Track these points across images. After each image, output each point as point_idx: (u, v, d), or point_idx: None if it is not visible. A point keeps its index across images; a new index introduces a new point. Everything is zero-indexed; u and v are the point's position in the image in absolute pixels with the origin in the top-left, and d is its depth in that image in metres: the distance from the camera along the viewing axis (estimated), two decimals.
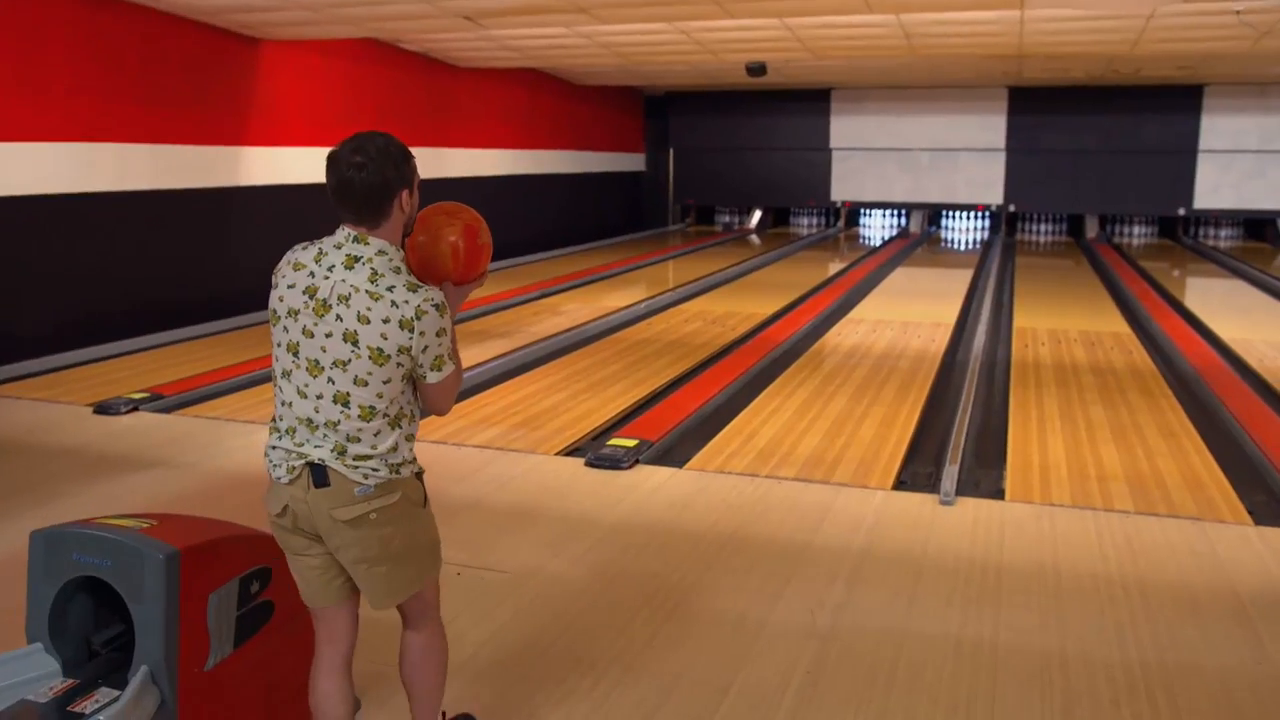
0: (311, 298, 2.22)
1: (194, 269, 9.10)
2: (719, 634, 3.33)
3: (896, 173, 18.55)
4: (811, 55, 11.91)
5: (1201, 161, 17.10)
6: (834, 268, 14.39)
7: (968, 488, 4.80)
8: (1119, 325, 9.34)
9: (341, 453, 2.22)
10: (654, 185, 20.20)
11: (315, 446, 2.24)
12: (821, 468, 5.03)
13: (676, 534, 4.16)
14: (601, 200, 17.97)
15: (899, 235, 18.62)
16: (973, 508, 4.52)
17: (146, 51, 8.43)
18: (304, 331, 2.23)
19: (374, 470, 2.23)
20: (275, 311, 2.29)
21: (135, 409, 6.19)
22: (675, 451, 5.33)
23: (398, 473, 2.28)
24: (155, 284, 8.69)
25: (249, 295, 9.49)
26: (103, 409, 6.15)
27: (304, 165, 10.35)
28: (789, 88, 17.44)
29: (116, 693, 2.17)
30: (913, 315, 9.76)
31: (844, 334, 8.79)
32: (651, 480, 4.87)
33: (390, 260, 2.25)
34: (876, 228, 19.66)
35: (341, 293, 2.20)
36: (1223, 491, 4.71)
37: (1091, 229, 18.40)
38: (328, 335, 2.20)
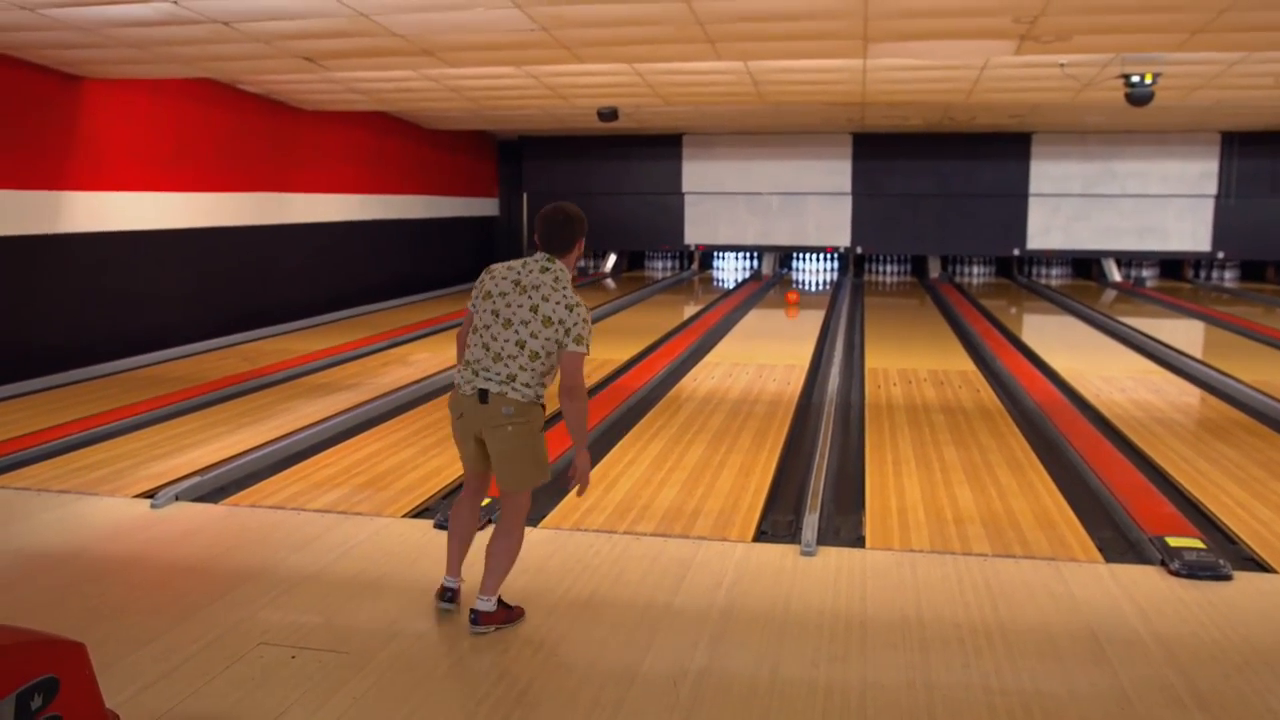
0: (515, 284, 3.61)
1: (6, 323, 8.40)
2: (574, 716, 3.12)
3: (748, 216, 18.87)
4: (662, 101, 11.98)
5: (1032, 205, 18.00)
6: (689, 311, 14.45)
7: (828, 536, 4.73)
8: (965, 363, 9.60)
9: (509, 380, 3.55)
10: (507, 230, 20.01)
11: (488, 378, 3.57)
12: (681, 521, 4.89)
13: (530, 602, 3.93)
14: (454, 246, 17.65)
15: (752, 277, 18.91)
16: (834, 557, 4.44)
17: None
18: (505, 303, 3.59)
19: (521, 399, 3.55)
20: (487, 293, 3.66)
21: None
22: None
23: (534, 404, 3.61)
24: None
25: (68, 350, 8.83)
26: None
27: (132, 210, 9.75)
28: (641, 133, 17.57)
29: None
30: (768, 357, 9.81)
31: (700, 379, 8.74)
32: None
33: (565, 276, 3.65)
34: (730, 270, 19.94)
35: (534, 284, 3.59)
36: (1073, 530, 4.78)
37: (934, 269, 19.09)
38: (519, 306, 3.57)
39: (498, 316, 3.58)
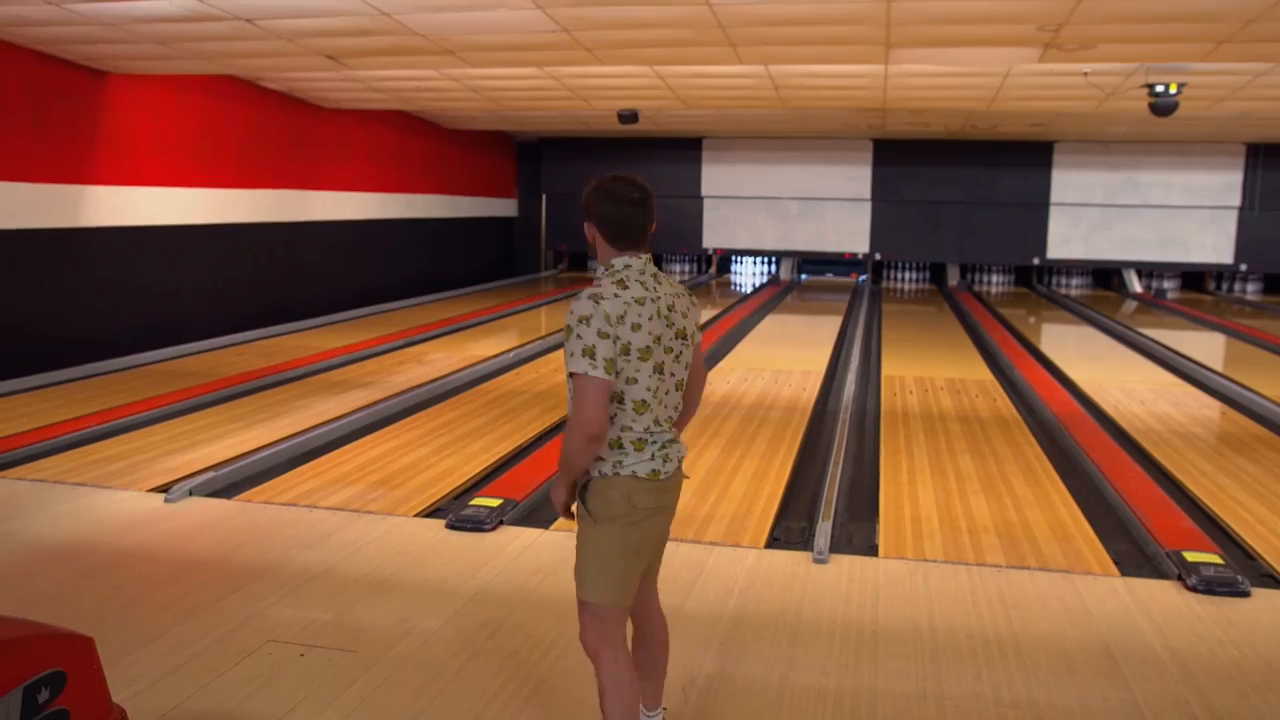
0: (669, 325, 2.62)
1: (29, 315, 8.46)
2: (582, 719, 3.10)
3: (766, 221, 18.84)
4: (683, 104, 11.96)
5: (1053, 214, 17.89)
6: (706, 315, 14.43)
7: (841, 544, 4.70)
8: (982, 372, 9.54)
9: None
10: (526, 231, 20.03)
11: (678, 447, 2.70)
12: (693, 526, 4.87)
13: (540, 604, 3.91)
14: (472, 245, 17.69)
15: (769, 282, 18.86)
16: (847, 565, 4.41)
17: None
18: (666, 350, 2.61)
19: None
20: (647, 348, 2.56)
21: None
22: (541, 511, 5.08)
23: None
24: None
25: (89, 343, 8.88)
26: None
27: (155, 206, 9.80)
28: (661, 135, 17.57)
29: None
30: (784, 363, 9.77)
31: (716, 383, 8.72)
32: (515, 543, 4.62)
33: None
34: (748, 275, 19.90)
35: (682, 307, 2.71)
36: (1089, 542, 4.73)
37: (953, 277, 19.00)
38: (682, 344, 2.68)
39: (662, 374, 2.59)
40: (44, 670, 2.12)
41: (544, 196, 19.59)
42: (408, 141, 15.00)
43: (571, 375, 2.49)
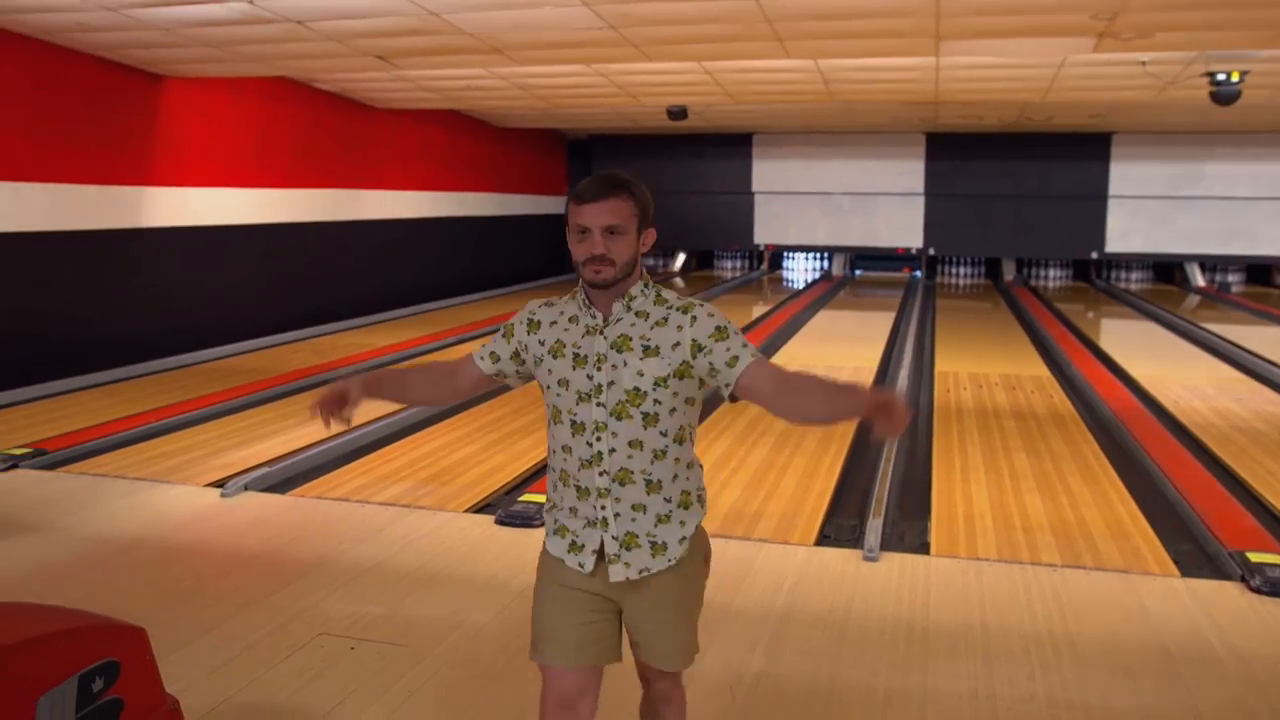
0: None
1: (89, 314, 8.65)
2: (627, 717, 3.09)
3: (818, 216, 18.70)
4: (732, 99, 11.91)
5: (1112, 207, 17.54)
6: (758, 311, 14.35)
7: (892, 541, 4.64)
8: (1039, 368, 9.38)
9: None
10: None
11: None
12: (742, 522, 4.84)
13: None
14: (522, 243, 17.76)
15: (822, 278, 18.72)
16: (898, 563, 4.36)
17: (42, 86, 8.04)
18: None
19: None
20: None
21: (14, 466, 5.78)
22: None
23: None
24: (48, 330, 8.22)
25: (145, 342, 9.06)
26: None
27: (210, 206, 9.97)
28: (711, 131, 17.51)
29: None
30: (836, 359, 9.69)
31: None
32: None
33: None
34: (799, 270, 19.77)
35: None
36: (1148, 541, 4.63)
37: (1009, 272, 18.71)
38: None
39: None
40: (98, 660, 2.16)
41: None
42: (458, 140, 15.10)
43: (755, 358, 2.19)
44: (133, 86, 8.96)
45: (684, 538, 2.27)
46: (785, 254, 19.84)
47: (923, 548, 4.57)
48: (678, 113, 12.75)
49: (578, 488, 2.25)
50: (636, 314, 2.24)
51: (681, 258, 19.95)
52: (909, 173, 18.08)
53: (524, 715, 3.07)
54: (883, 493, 5.21)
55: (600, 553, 2.23)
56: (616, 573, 2.23)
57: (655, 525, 2.24)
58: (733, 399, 2.27)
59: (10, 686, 1.93)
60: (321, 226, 11.76)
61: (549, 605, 2.30)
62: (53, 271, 8.29)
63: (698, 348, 2.19)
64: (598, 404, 2.21)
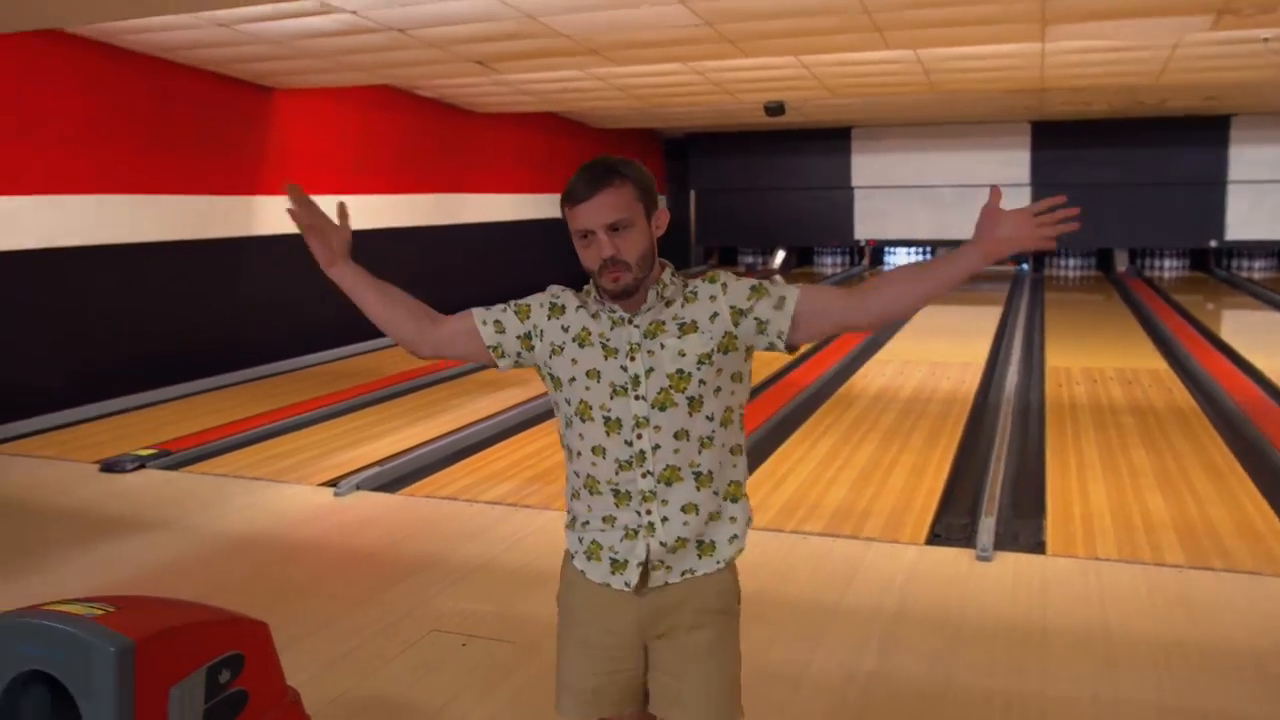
0: None
1: (206, 321, 8.98)
2: None
3: (920, 210, 18.32)
4: (829, 93, 11.75)
5: (1231, 193, 16.78)
6: None
7: (1006, 541, 4.51)
8: (1156, 361, 9.03)
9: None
10: (675, 227, 20.06)
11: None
12: (850, 521, 4.76)
13: None
14: None
15: None
16: (1012, 563, 4.24)
17: (158, 101, 8.38)
18: None
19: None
20: None
21: (142, 466, 6.03)
22: None
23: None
24: (167, 336, 8.56)
25: (260, 346, 9.36)
26: (109, 467, 5.99)
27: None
28: (809, 126, 17.30)
29: None
30: (941, 355, 9.49)
31: (871, 376, 8.53)
32: None
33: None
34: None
35: None
36: None
37: (1121, 263, 18.07)
38: None
39: None
40: (225, 653, 2.23)
41: (692, 193, 19.61)
42: (555, 142, 15.24)
43: (798, 288, 2.00)
44: (244, 99, 9.27)
45: (734, 536, 2.05)
46: (886, 249, 19.50)
47: (1038, 547, 4.44)
48: (775, 109, 12.64)
49: (615, 493, 1.99)
50: (665, 303, 2.01)
51: (781, 254, 19.78)
52: (1014, 163, 17.59)
53: None
54: (995, 490, 5.07)
55: (645, 562, 1.99)
56: (656, 579, 2.01)
57: (705, 524, 2.01)
58: (790, 348, 2.01)
59: (146, 677, 2.00)
60: (425, 231, 12.00)
61: (568, 656, 2.13)
62: (171, 281, 8.63)
63: (738, 312, 1.98)
64: (636, 397, 1.95)
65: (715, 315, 1.98)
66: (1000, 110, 15.13)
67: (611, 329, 2.00)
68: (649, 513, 1.98)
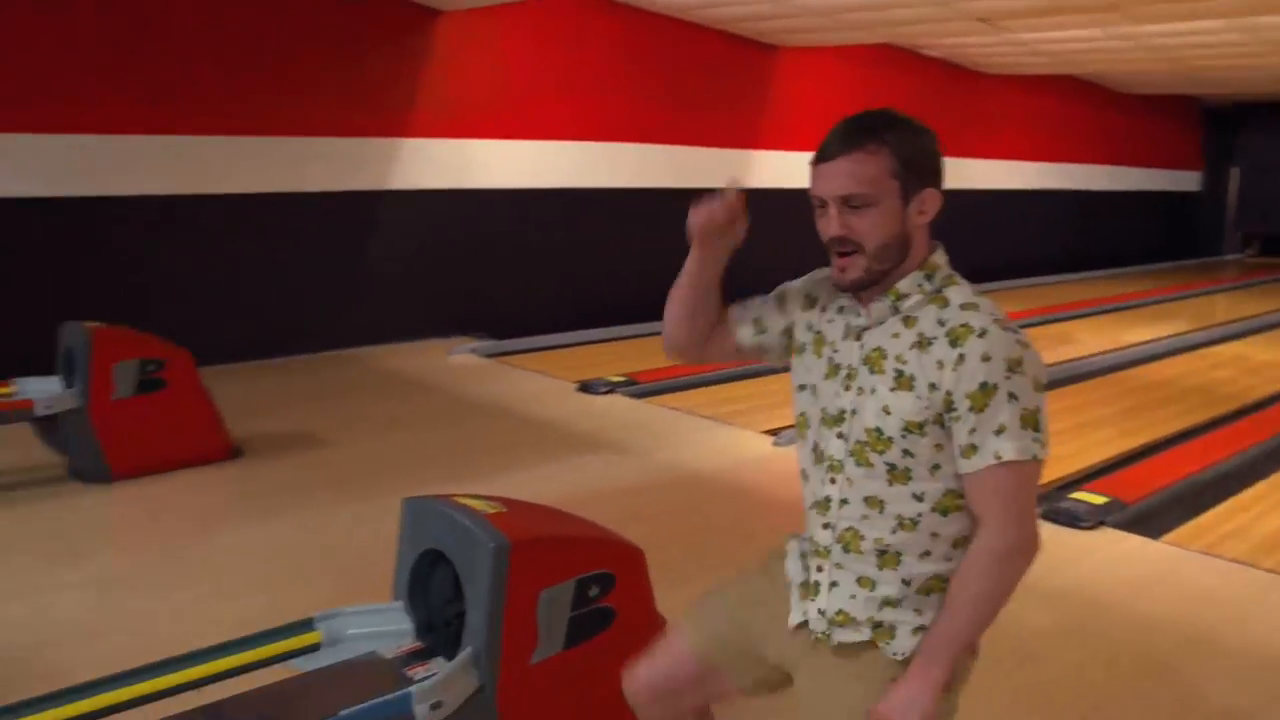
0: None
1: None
2: None
3: None
4: None
5: None
6: None
7: None
8: None
9: None
10: (1211, 208, 17.76)
11: None
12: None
13: (1129, 620, 3.46)
14: (1136, 221, 16.17)
15: None
16: None
17: (673, 59, 8.99)
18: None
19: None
20: None
21: (612, 391, 6.60)
22: (1153, 519, 4.49)
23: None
24: (650, 277, 9.24)
25: (740, 296, 9.79)
26: (585, 387, 6.66)
27: (800, 171, 10.43)
28: None
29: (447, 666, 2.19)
30: None
31: None
32: (1116, 548, 4.15)
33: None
34: None
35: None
36: None
37: None
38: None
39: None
40: (597, 570, 2.37)
41: (1235, 170, 17.20)
42: (1070, 108, 14.11)
43: (999, 463, 1.51)
44: (751, 57, 9.64)
45: (920, 627, 1.63)
46: None
47: None
48: None
49: (810, 530, 1.73)
50: (904, 321, 1.60)
51: None
52: None
53: None
54: None
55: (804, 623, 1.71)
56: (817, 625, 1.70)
57: (880, 609, 1.63)
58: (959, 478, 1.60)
59: (518, 576, 2.18)
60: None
61: (730, 585, 1.90)
62: (667, 226, 9.27)
63: (949, 405, 1.53)
64: (838, 434, 1.63)
65: (934, 386, 1.54)
66: None
67: (843, 339, 1.68)
68: (819, 569, 1.69)
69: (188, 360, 4.84)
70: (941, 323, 1.57)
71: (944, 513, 1.60)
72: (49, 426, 4.64)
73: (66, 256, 6.41)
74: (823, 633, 1.68)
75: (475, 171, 8.08)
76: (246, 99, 6.90)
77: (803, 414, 1.73)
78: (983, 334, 1.53)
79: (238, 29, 6.83)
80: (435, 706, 2.08)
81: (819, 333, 1.73)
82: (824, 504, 1.67)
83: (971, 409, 1.51)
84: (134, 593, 3.58)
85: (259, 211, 7.10)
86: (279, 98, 7.04)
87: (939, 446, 1.56)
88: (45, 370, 4.77)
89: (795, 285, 1.84)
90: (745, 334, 1.83)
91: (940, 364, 1.54)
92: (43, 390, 4.58)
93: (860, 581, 1.65)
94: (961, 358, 1.52)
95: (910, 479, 1.58)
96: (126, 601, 3.50)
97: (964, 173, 12.38)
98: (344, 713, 2.01)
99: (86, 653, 3.01)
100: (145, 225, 6.69)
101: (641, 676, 1.93)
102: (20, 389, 4.59)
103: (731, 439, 5.65)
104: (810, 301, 1.78)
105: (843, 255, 1.60)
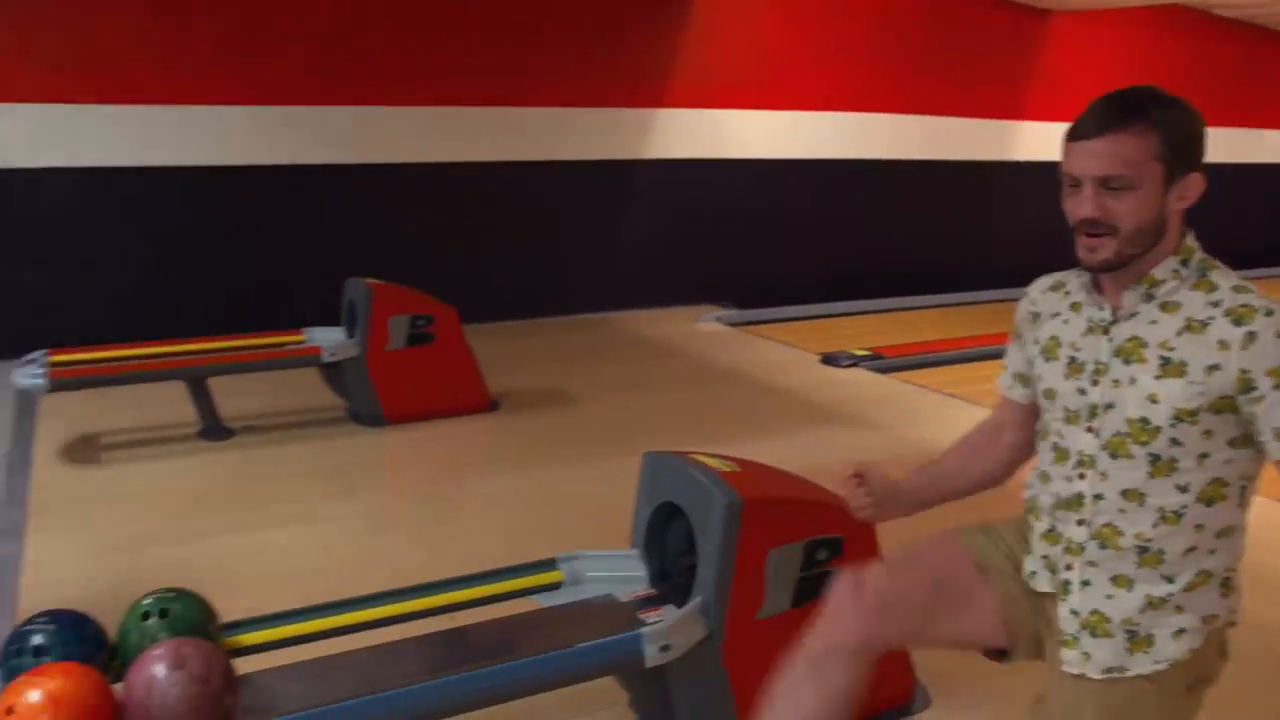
0: None
1: (945, 241, 9.27)
2: None
3: None
4: None
5: None
6: None
7: None
8: None
9: None
10: None
11: None
12: None
13: None
14: None
15: None
16: None
17: (937, 27, 8.71)
18: None
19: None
20: None
21: (855, 364, 6.57)
22: None
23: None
24: (900, 251, 9.04)
25: (993, 273, 9.39)
26: (829, 360, 6.66)
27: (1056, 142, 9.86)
28: None
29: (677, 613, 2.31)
30: None
31: None
32: None
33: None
34: None
35: None
36: None
37: None
38: None
39: None
40: (827, 534, 2.41)
41: None
42: None
43: None
44: (1021, 23, 9.18)
45: (1183, 630, 1.58)
46: None
47: None
48: None
49: (1048, 530, 1.69)
50: (1162, 307, 1.55)
51: None
52: None
53: None
54: None
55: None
56: (1071, 661, 1.64)
57: (1142, 611, 1.59)
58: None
59: (749, 533, 2.26)
60: (1216, 167, 10.84)
61: (994, 526, 1.86)
62: (920, 198, 9.03)
63: (1246, 385, 1.47)
64: (1087, 429, 1.60)
65: (1216, 368, 1.49)
66: None
67: (1084, 335, 1.64)
68: (1069, 567, 1.65)
69: (454, 317, 5.19)
70: (1215, 304, 1.51)
71: (1209, 503, 1.56)
72: (333, 372, 5.15)
73: (356, 217, 7.00)
74: (1072, 635, 1.66)
75: (728, 142, 8.16)
76: (511, 73, 7.27)
77: (1042, 422, 1.75)
78: (1269, 313, 1.48)
79: (504, 5, 7.20)
80: (664, 649, 2.20)
81: (1053, 336, 1.71)
82: (1075, 501, 1.64)
83: (1276, 387, 1.46)
84: (397, 526, 3.94)
85: (519, 179, 7.49)
86: (541, 71, 7.38)
87: (1208, 434, 1.51)
88: (333, 321, 5.27)
89: (1019, 313, 1.84)
90: (1017, 394, 1.85)
91: (1223, 343, 1.49)
92: (328, 339, 5.10)
93: (1116, 580, 1.62)
94: (1252, 335, 1.47)
95: (1175, 469, 1.54)
96: (390, 532, 3.86)
97: (1262, 146, 11.30)
98: (580, 646, 2.17)
99: (350, 575, 3.34)
100: (421, 190, 7.20)
101: (876, 578, 1.86)
102: (309, 338, 5.13)
103: (976, 418, 5.47)
104: (1033, 319, 1.78)
105: (1092, 237, 1.56)
